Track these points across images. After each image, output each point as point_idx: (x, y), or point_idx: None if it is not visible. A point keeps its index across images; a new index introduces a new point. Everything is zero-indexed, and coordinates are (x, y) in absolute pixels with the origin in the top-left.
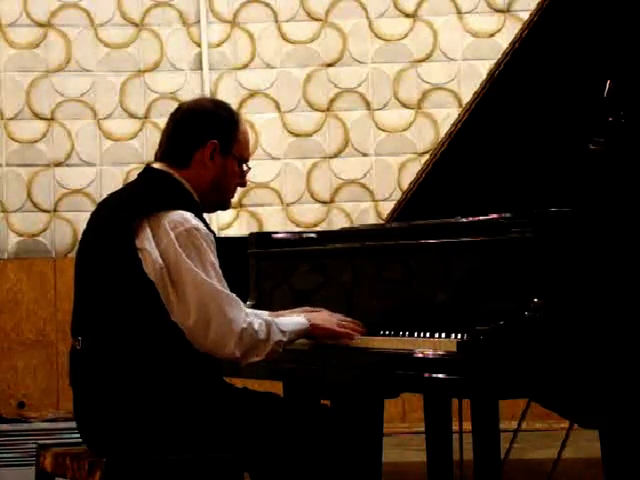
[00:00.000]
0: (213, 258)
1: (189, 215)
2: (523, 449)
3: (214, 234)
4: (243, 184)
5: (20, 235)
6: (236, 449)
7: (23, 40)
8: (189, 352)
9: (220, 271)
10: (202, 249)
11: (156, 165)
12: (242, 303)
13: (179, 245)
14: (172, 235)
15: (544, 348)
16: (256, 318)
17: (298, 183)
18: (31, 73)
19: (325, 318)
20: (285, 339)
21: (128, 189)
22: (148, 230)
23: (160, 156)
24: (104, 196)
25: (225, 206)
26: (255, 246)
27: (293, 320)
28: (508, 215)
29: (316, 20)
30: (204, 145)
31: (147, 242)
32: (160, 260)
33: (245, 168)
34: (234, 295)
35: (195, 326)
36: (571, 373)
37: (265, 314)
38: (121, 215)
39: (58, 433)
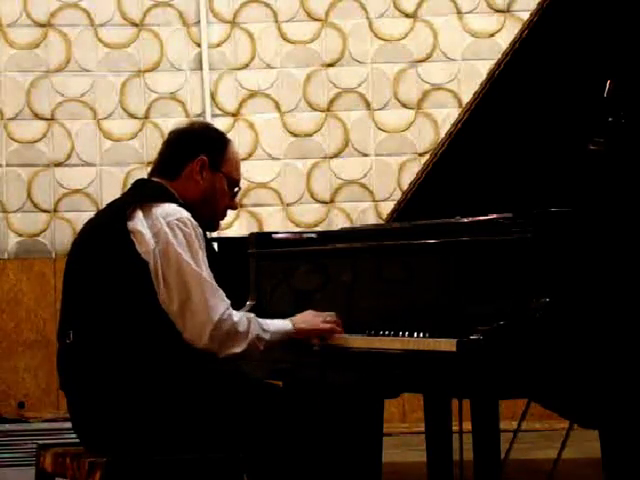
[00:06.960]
0: (202, 249)
1: (181, 208)
2: (523, 449)
3: (204, 232)
4: (233, 206)
5: (20, 235)
6: (233, 445)
7: (23, 40)
8: (184, 343)
9: (207, 263)
10: (192, 239)
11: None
12: (224, 295)
13: (170, 232)
14: (163, 222)
15: (544, 348)
16: (237, 312)
17: (298, 183)
18: (31, 73)
19: (308, 319)
20: (267, 337)
21: (119, 197)
22: (141, 215)
23: (152, 172)
24: (104, 196)
25: (213, 226)
26: (255, 246)
27: (278, 322)
28: (508, 215)
29: (316, 20)
30: (194, 159)
31: (140, 224)
32: (153, 241)
33: (235, 190)
34: (219, 288)
35: (178, 311)
36: (571, 373)
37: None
38: (114, 208)
39: (58, 433)
